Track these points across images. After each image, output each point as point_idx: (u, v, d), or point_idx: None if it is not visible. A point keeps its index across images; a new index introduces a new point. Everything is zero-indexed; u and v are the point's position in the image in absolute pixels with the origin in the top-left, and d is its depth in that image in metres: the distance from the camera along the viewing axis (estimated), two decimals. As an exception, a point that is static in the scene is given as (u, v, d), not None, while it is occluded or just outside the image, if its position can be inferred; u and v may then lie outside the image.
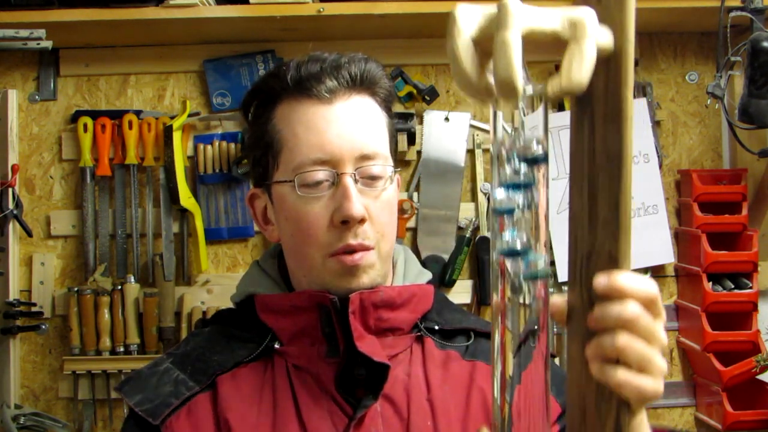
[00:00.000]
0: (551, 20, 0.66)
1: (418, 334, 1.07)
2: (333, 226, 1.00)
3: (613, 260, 0.72)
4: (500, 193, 0.69)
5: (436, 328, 1.08)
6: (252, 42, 1.85)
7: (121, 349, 1.81)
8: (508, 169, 0.69)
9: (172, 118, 1.84)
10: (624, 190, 0.72)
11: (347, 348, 0.99)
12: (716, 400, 1.78)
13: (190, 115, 1.85)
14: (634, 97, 1.94)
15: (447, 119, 1.88)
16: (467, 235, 1.87)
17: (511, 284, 0.70)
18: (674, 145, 1.92)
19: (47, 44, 1.62)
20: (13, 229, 1.82)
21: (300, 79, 1.02)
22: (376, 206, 1.02)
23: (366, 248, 1.00)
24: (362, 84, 1.04)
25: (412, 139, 1.84)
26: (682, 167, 1.92)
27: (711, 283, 1.79)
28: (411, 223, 1.89)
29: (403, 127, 1.82)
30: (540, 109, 0.70)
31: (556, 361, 1.77)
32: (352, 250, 1.00)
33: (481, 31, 0.64)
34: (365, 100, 1.04)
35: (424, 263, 1.83)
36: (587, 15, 0.67)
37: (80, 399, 1.83)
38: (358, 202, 0.99)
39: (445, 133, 1.88)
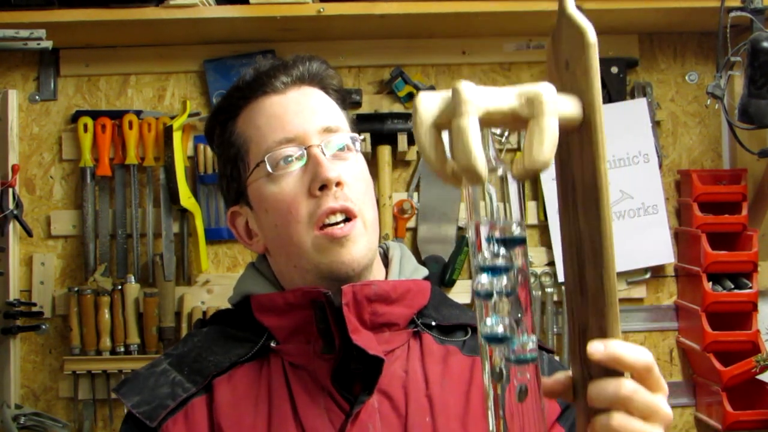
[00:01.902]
0: (507, 99, 0.66)
1: (415, 329, 1.07)
2: (312, 197, 1.00)
3: (603, 335, 0.70)
4: (481, 278, 0.69)
5: (434, 323, 1.08)
6: (252, 42, 1.85)
7: (122, 349, 1.81)
8: (486, 253, 0.69)
9: (173, 118, 1.84)
10: (607, 262, 0.69)
11: (342, 343, 0.99)
12: (716, 400, 1.78)
13: (190, 115, 1.85)
14: (634, 97, 1.96)
15: (447, 119, 1.88)
16: (467, 235, 1.87)
17: (492, 371, 0.69)
18: (674, 145, 1.92)
19: (47, 44, 1.62)
20: (13, 229, 1.82)
21: (254, 80, 1.07)
22: (350, 174, 1.03)
23: (350, 212, 1.00)
24: (311, 78, 1.08)
25: (412, 139, 1.84)
26: (682, 167, 1.92)
27: (711, 283, 1.79)
28: (411, 223, 1.89)
29: (403, 127, 1.83)
30: (513, 188, 0.69)
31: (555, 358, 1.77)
32: (337, 219, 1.00)
33: (442, 115, 0.65)
34: (317, 91, 1.08)
35: (424, 263, 1.83)
36: (545, 90, 0.66)
37: (80, 399, 1.83)
38: (331, 166, 1.00)
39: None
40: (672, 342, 1.90)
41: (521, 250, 0.70)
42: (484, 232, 0.69)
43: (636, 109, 1.86)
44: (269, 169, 1.02)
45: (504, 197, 0.69)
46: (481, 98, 0.64)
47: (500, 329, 0.68)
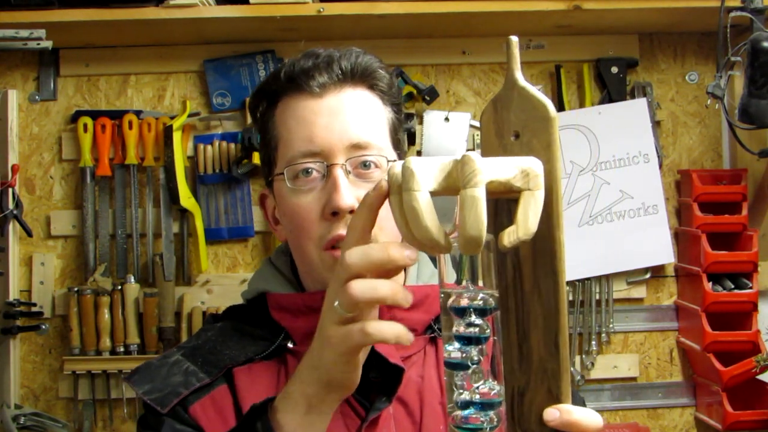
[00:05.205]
0: (507, 170, 0.67)
1: (432, 335, 1.07)
2: (324, 218, 0.99)
3: (554, 398, 0.72)
4: (453, 347, 0.70)
5: None
6: (252, 42, 1.85)
7: (121, 349, 1.81)
8: (461, 323, 0.70)
9: (172, 118, 1.84)
10: (562, 327, 0.71)
11: None
12: (716, 400, 1.78)
13: (190, 115, 1.85)
14: (634, 97, 1.96)
15: (447, 119, 1.88)
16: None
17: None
18: (674, 145, 1.92)
19: (47, 44, 1.62)
20: (13, 229, 1.82)
21: (293, 76, 1.03)
22: None
23: None
24: (354, 77, 1.03)
25: (412, 139, 1.84)
26: (682, 167, 1.92)
27: (711, 283, 1.78)
28: (411, 223, 1.89)
29: (404, 127, 1.82)
30: (491, 257, 0.70)
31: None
32: None
33: (439, 184, 0.66)
34: (359, 93, 1.04)
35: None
36: (536, 165, 0.68)
37: (80, 399, 1.83)
38: (347, 193, 0.98)
39: (445, 133, 1.88)
40: (672, 342, 1.90)
41: (493, 317, 0.71)
42: (466, 301, 0.70)
43: (636, 109, 1.85)
44: (288, 183, 1.01)
45: (489, 266, 0.71)
46: (488, 168, 0.64)
47: (471, 400, 0.70)
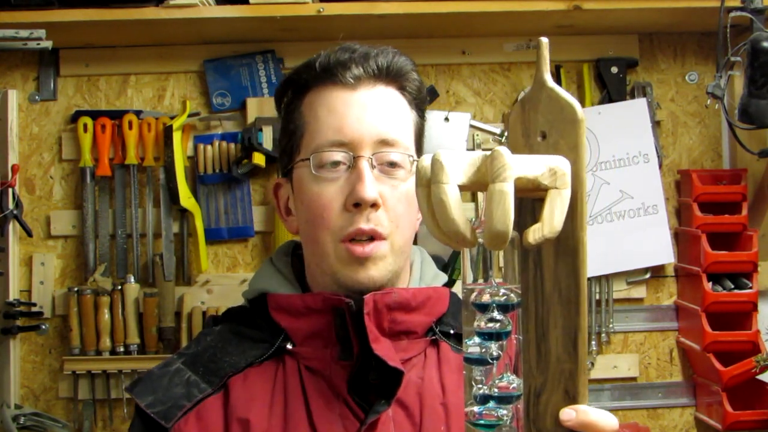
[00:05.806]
0: (535, 167, 0.67)
1: (433, 337, 1.07)
2: (346, 210, 1.00)
3: (571, 398, 0.71)
4: (473, 342, 0.71)
5: (452, 332, 1.07)
6: (252, 42, 1.85)
7: (121, 349, 1.81)
8: (482, 318, 0.71)
9: (172, 118, 1.84)
10: (581, 328, 0.71)
11: (361, 351, 0.98)
12: (716, 400, 1.78)
13: (190, 115, 1.85)
14: (634, 97, 1.96)
15: (447, 119, 1.87)
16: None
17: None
18: (674, 145, 1.92)
19: (47, 44, 1.62)
20: (13, 229, 1.82)
21: (328, 66, 1.04)
22: (393, 195, 1.01)
23: (378, 235, 0.99)
24: (389, 75, 1.05)
25: (412, 139, 1.84)
26: (682, 167, 1.92)
27: (711, 283, 1.78)
28: (411, 223, 1.89)
29: (403, 127, 1.82)
30: (516, 253, 0.71)
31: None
32: (363, 238, 0.99)
33: (468, 178, 0.65)
34: (391, 92, 1.05)
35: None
36: (565, 164, 0.69)
37: (80, 399, 1.83)
38: (371, 186, 0.98)
39: (445, 133, 1.87)
40: (672, 342, 1.90)
41: (515, 313, 0.72)
42: (488, 296, 0.70)
43: (636, 109, 1.85)
44: (312, 170, 1.01)
45: (511, 263, 0.71)
46: (517, 164, 0.64)
47: (490, 396, 0.71)
